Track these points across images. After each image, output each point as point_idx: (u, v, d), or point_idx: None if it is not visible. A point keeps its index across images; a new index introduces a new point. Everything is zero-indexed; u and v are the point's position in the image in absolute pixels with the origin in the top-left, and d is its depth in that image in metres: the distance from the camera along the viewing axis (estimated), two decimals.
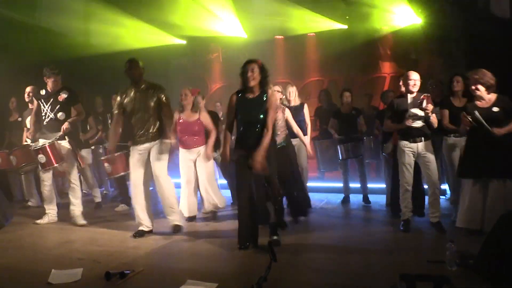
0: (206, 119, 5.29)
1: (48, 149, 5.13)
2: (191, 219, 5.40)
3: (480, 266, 3.25)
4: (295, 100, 5.86)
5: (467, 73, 4.59)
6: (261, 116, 4.03)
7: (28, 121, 6.16)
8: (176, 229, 4.79)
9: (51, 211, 5.41)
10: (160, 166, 4.67)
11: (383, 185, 6.55)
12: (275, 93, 4.42)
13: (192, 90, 5.41)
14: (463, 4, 7.12)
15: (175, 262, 3.92)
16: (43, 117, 5.30)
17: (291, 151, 5.24)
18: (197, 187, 5.46)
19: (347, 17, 8.36)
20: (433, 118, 4.58)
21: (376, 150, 6.80)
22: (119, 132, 4.91)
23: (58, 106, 5.28)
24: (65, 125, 5.25)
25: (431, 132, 4.73)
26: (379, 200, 6.36)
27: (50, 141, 5.17)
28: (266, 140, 3.97)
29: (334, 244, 4.41)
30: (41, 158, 5.14)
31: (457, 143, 4.86)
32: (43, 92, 5.33)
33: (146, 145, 4.67)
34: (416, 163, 4.76)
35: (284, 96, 5.43)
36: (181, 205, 5.31)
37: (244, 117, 4.09)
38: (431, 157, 4.65)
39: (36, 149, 5.16)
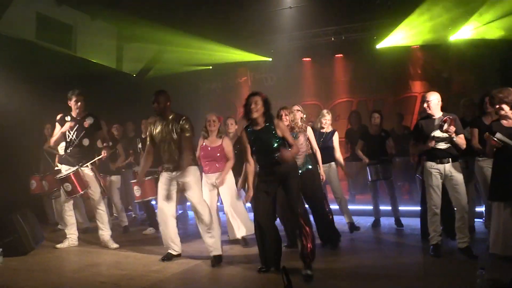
0: (227, 146, 5.25)
1: (73, 178, 5.20)
2: None
3: None
4: (327, 127, 5.86)
5: (492, 91, 4.41)
6: (275, 145, 4.03)
7: (60, 147, 6.38)
8: (216, 260, 4.53)
9: (72, 236, 5.48)
10: (195, 195, 4.64)
11: (416, 208, 6.32)
12: (281, 122, 4.35)
13: (218, 117, 5.45)
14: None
15: (195, 287, 3.88)
16: (68, 144, 5.39)
17: (313, 175, 5.09)
18: (216, 211, 5.43)
19: (375, 38, 8.27)
20: (459, 139, 4.38)
21: (409, 171, 6.61)
22: (150, 162, 4.96)
23: (84, 132, 5.37)
24: (104, 153, 5.45)
25: (464, 153, 4.53)
26: (411, 223, 6.13)
27: (74, 169, 5.24)
28: (293, 150, 4.07)
29: (360, 269, 4.25)
30: (67, 186, 5.22)
31: (490, 164, 4.62)
32: (68, 118, 5.38)
33: (174, 173, 4.67)
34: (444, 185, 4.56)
35: (304, 116, 5.37)
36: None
37: (259, 148, 4.11)
38: (459, 179, 4.44)
39: (61, 178, 5.24)
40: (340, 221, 5.90)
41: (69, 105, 5.42)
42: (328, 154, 5.67)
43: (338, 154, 5.86)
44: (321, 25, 8.44)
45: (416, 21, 7.70)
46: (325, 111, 5.99)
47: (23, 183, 6.69)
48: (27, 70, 6.86)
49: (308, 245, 3.91)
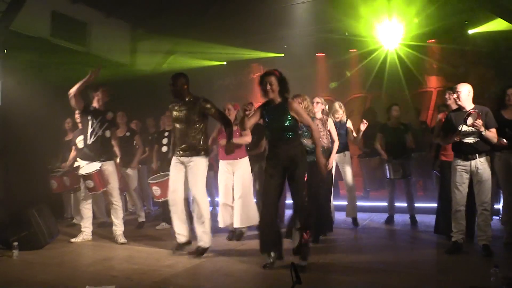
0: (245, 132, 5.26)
1: (95, 176, 5.25)
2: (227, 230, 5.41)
3: None
4: (342, 119, 5.93)
5: None
6: (286, 123, 4.01)
7: (78, 140, 6.47)
8: (200, 251, 4.66)
9: (87, 230, 5.52)
10: (196, 186, 4.65)
11: (430, 204, 6.24)
12: (295, 101, 4.32)
13: (234, 105, 5.49)
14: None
15: (205, 282, 3.90)
16: (90, 135, 5.34)
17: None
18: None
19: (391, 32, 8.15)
20: (489, 133, 4.26)
21: (424, 167, 6.51)
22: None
23: (107, 124, 5.42)
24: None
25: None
26: (425, 220, 6.05)
27: (97, 167, 5.28)
28: (318, 150, 4.14)
29: (371, 265, 4.20)
30: (89, 183, 5.27)
31: (510, 159, 4.53)
32: (91, 108, 5.39)
33: (183, 158, 4.68)
34: (471, 182, 4.45)
35: (326, 107, 5.38)
36: (218, 215, 5.37)
37: (270, 123, 4.10)
38: (485, 175, 4.33)
39: (84, 175, 5.28)
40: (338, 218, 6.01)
41: (94, 96, 5.40)
42: (342, 143, 5.71)
43: (353, 135, 5.95)
44: (335, 20, 8.35)
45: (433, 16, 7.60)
46: (337, 104, 5.97)
47: (39, 178, 6.78)
48: (43, 67, 6.97)
49: (307, 238, 3.93)
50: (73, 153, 6.56)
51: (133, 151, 6.66)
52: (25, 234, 5.01)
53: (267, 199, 4.09)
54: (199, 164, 4.66)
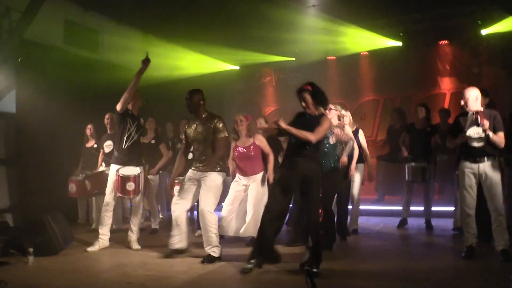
0: (261, 141, 5.23)
1: (137, 179, 5.26)
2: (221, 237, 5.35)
3: None
4: (350, 125, 5.64)
5: None
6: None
7: (105, 145, 6.51)
8: (210, 259, 4.64)
9: (104, 237, 5.46)
10: (207, 201, 4.66)
11: (446, 208, 6.16)
12: (329, 116, 4.33)
13: (246, 116, 5.45)
14: None
15: None
16: (126, 138, 5.31)
17: (338, 176, 5.04)
18: (243, 209, 5.42)
19: (401, 34, 8.09)
20: (496, 137, 4.21)
21: (446, 170, 6.40)
22: (183, 163, 5.02)
23: (141, 130, 5.48)
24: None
25: (500, 151, 4.36)
26: (441, 224, 5.97)
27: (138, 171, 5.32)
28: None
29: (386, 271, 4.15)
30: (130, 186, 5.25)
31: None
32: (130, 112, 5.38)
33: (199, 173, 4.71)
34: (480, 185, 4.39)
35: (341, 112, 5.34)
36: (220, 225, 5.30)
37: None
38: (494, 179, 4.27)
39: (125, 177, 5.24)
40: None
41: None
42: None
43: (366, 152, 5.75)
44: (345, 23, 8.31)
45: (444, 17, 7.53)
46: (342, 110, 5.85)
47: (54, 185, 6.84)
48: (56, 74, 7.05)
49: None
50: (101, 157, 6.60)
51: (157, 158, 6.62)
52: (40, 240, 5.05)
53: (274, 206, 4.06)
54: (214, 178, 4.68)
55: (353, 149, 5.27)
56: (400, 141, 6.18)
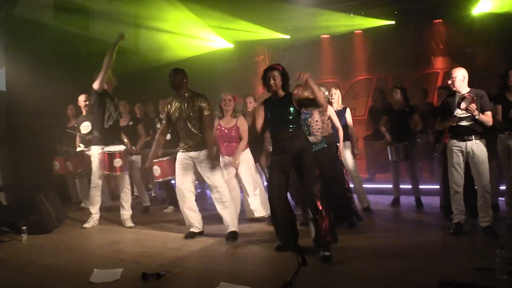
0: (242, 125, 5.22)
1: (122, 155, 5.28)
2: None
3: None
4: (338, 104, 5.68)
5: None
6: (290, 116, 4.02)
7: (82, 127, 6.49)
8: (231, 236, 4.62)
9: (96, 215, 5.53)
10: (214, 176, 4.67)
11: (436, 186, 6.23)
12: (296, 94, 4.31)
13: (234, 96, 5.42)
14: None
15: (211, 264, 3.94)
16: (107, 118, 5.32)
17: (330, 154, 5.04)
18: (238, 191, 5.47)
19: (395, 12, 8.04)
20: (484, 117, 4.25)
21: (429, 150, 6.49)
22: (161, 142, 5.03)
23: (117, 109, 5.47)
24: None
25: (484, 130, 4.41)
26: (432, 202, 6.05)
27: (123, 148, 5.34)
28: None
29: (376, 248, 4.23)
30: (117, 162, 5.26)
31: (509, 141, 4.51)
32: (107, 91, 5.38)
33: (191, 153, 4.70)
34: (468, 163, 4.47)
35: (326, 93, 5.30)
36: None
37: (274, 116, 4.09)
38: (481, 157, 4.33)
39: (112, 153, 5.24)
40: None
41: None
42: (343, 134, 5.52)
43: (352, 130, 5.74)
44: (340, 1, 8.24)
45: None
46: (332, 88, 5.81)
47: (46, 163, 6.82)
48: (46, 51, 6.94)
49: (324, 227, 3.89)
50: (78, 139, 6.59)
51: (136, 140, 6.69)
52: (33, 218, 5.08)
53: (278, 191, 4.08)
54: (209, 155, 4.67)
55: (336, 129, 5.28)
56: (379, 126, 6.22)
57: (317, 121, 4.82)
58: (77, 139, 6.57)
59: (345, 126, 5.56)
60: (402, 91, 6.12)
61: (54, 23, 7.35)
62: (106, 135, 5.36)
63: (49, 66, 6.92)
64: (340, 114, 5.59)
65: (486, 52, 7.58)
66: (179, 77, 4.68)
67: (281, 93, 4.10)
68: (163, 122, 4.94)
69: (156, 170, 5.86)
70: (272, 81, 4.02)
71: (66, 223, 5.60)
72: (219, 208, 4.74)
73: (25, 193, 5.35)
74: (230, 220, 4.69)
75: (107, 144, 5.34)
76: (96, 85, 5.21)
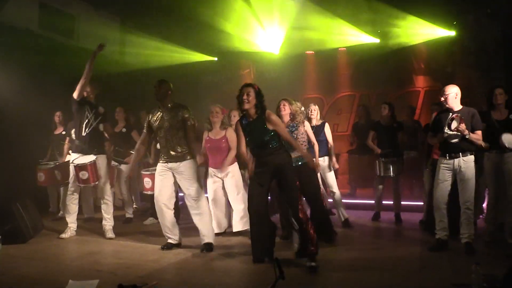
0: (231, 136, 5.24)
1: (90, 168, 5.21)
2: (217, 235, 5.34)
3: None
4: (317, 119, 5.73)
5: None
6: (266, 137, 4.04)
7: (74, 132, 6.40)
8: (206, 248, 4.67)
9: (73, 225, 5.46)
10: (192, 187, 4.67)
11: (417, 203, 6.31)
12: (273, 115, 4.25)
13: (222, 109, 5.44)
14: (500, 15, 6.83)
15: (189, 277, 3.89)
16: (85, 126, 5.32)
17: (309, 169, 5.06)
18: (226, 204, 5.46)
19: (379, 31, 8.20)
20: (474, 136, 4.35)
21: (415, 166, 6.55)
22: (142, 152, 5.04)
23: (100, 117, 5.43)
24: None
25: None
26: (412, 218, 6.09)
27: (92, 159, 5.26)
28: (302, 151, 4.33)
29: (355, 261, 4.25)
30: (83, 174, 5.21)
31: (500, 158, 4.59)
32: (87, 99, 5.37)
33: (170, 164, 4.69)
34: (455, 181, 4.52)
35: (302, 109, 5.35)
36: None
37: (251, 140, 4.13)
38: (469, 174, 4.39)
39: (78, 166, 5.22)
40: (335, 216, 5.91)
41: (87, 93, 5.38)
42: (321, 148, 5.54)
43: (331, 145, 5.77)
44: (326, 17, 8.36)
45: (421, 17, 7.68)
46: (311, 104, 5.85)
47: (23, 172, 6.71)
48: (29, 59, 6.88)
49: (312, 238, 3.94)
50: (67, 145, 6.49)
51: (130, 147, 6.49)
52: (8, 227, 4.97)
53: (258, 207, 4.07)
54: (190, 166, 4.69)
55: (312, 144, 5.29)
56: (367, 141, 6.29)
57: (302, 133, 4.86)
58: (65, 146, 6.47)
59: (324, 142, 5.60)
60: (390, 107, 6.21)
61: (39, 31, 7.28)
62: (84, 143, 5.34)
63: (31, 75, 6.85)
64: (319, 129, 5.65)
65: (466, 72, 7.76)
66: (164, 88, 4.72)
67: (253, 112, 4.08)
68: (144, 131, 4.92)
69: (148, 183, 5.75)
70: (245, 97, 4.01)
71: (43, 233, 5.49)
72: (195, 219, 4.74)
73: (1, 202, 5.22)
74: (206, 231, 4.70)
75: (84, 153, 5.32)
76: (75, 94, 5.23)
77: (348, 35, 8.40)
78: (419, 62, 8.34)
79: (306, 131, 5.06)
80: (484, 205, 5.71)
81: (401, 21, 7.84)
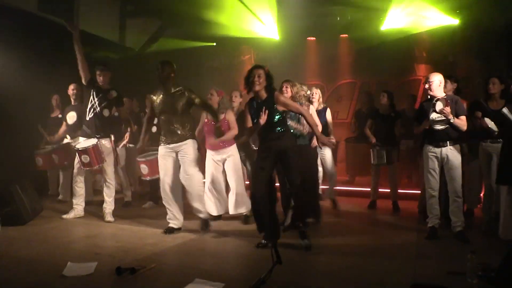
0: (230, 117, 5.23)
1: (92, 150, 5.21)
2: (216, 218, 5.38)
3: (502, 280, 3.03)
4: (318, 103, 5.75)
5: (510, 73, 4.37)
6: (275, 119, 4.07)
7: (68, 116, 6.40)
8: (205, 224, 4.85)
9: (79, 207, 5.53)
10: (190, 166, 4.72)
11: (414, 191, 6.33)
12: (281, 95, 4.28)
13: (218, 91, 5.42)
14: (503, 3, 6.76)
15: (187, 261, 3.93)
16: (88, 110, 5.35)
17: (310, 152, 5.12)
18: (224, 187, 5.47)
19: (381, 18, 8.13)
20: (458, 121, 4.37)
21: (412, 155, 6.57)
22: (151, 126, 5.22)
23: (106, 102, 5.40)
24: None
25: (469, 137, 4.50)
26: (409, 207, 6.12)
27: (94, 143, 5.26)
28: (317, 131, 4.27)
29: (352, 249, 4.28)
30: (85, 158, 5.23)
31: (494, 148, 4.60)
32: (96, 84, 5.38)
33: (172, 145, 4.73)
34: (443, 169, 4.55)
35: (308, 92, 5.37)
36: (207, 204, 5.32)
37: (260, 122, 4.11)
38: (455, 163, 4.43)
39: (80, 150, 5.23)
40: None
41: (98, 76, 5.41)
42: (322, 132, 5.61)
43: (331, 129, 5.82)
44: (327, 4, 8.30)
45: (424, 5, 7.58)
46: (313, 87, 5.87)
47: (22, 154, 6.70)
48: (27, 41, 6.82)
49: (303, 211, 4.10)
50: (62, 128, 6.48)
51: (121, 131, 6.50)
52: (7, 210, 4.99)
53: (260, 192, 4.09)
54: (190, 146, 4.77)
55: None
56: (365, 129, 6.29)
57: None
58: (61, 128, 6.46)
59: (325, 126, 5.62)
60: (388, 95, 6.20)
61: (38, 13, 7.19)
62: (88, 128, 5.39)
63: (30, 57, 6.81)
64: (321, 113, 5.67)
65: (467, 62, 7.72)
66: (167, 70, 4.71)
67: (263, 94, 4.11)
68: (148, 115, 5.10)
69: (144, 169, 5.74)
70: (256, 78, 4.03)
71: (42, 216, 5.52)
72: (190, 197, 4.81)
73: (0, 184, 5.23)
74: (201, 207, 4.84)
75: (88, 137, 5.36)
76: (82, 79, 5.29)
77: (351, 22, 8.33)
78: (421, 50, 8.28)
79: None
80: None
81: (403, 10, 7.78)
